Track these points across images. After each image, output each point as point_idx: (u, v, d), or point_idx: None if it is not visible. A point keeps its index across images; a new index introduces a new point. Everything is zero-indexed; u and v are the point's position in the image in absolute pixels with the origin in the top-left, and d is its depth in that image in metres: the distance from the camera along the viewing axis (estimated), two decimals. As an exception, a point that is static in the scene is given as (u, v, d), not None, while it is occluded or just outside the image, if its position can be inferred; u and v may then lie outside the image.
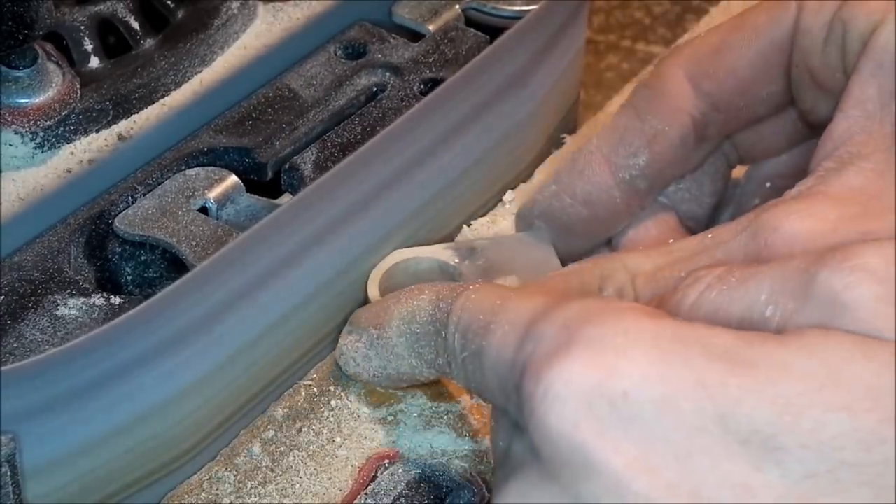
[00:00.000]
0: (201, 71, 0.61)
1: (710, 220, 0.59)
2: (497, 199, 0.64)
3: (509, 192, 0.64)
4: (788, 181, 0.51)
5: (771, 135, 0.57)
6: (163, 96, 0.60)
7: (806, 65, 0.52)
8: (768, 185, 0.58)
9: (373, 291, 0.57)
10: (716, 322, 0.44)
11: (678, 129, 0.55)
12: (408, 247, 0.58)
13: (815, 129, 0.54)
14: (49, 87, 0.57)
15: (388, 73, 0.61)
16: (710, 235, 0.49)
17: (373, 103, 0.60)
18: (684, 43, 0.56)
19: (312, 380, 0.56)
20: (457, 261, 0.58)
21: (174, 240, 0.54)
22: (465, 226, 0.62)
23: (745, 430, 0.40)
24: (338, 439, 0.54)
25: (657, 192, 0.57)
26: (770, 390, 0.40)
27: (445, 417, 0.54)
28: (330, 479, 0.52)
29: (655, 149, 0.55)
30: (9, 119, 0.56)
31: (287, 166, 0.57)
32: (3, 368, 0.46)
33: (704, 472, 0.40)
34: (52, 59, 0.57)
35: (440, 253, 0.58)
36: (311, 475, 0.52)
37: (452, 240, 0.61)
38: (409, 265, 0.58)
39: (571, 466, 0.41)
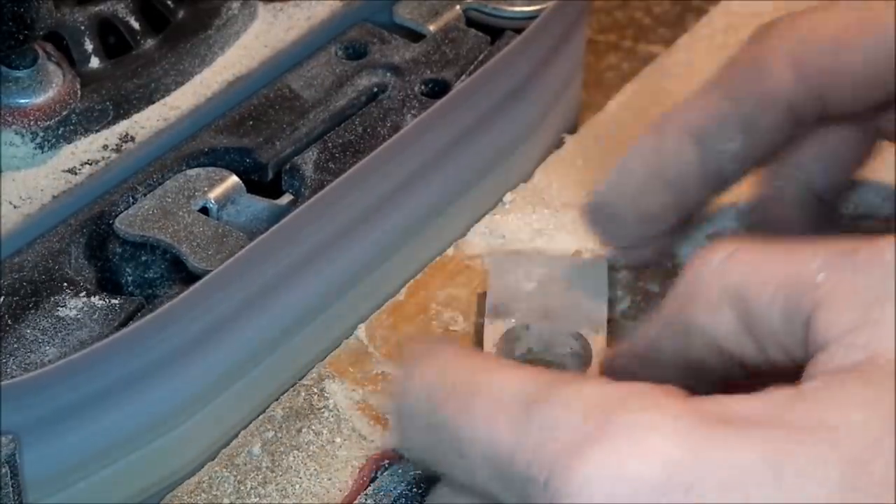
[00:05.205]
0: (202, 71, 0.61)
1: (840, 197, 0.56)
2: (498, 201, 0.64)
3: (509, 193, 0.64)
4: None
5: None
6: (163, 96, 0.60)
7: None
8: None
9: None
10: (747, 285, 0.42)
11: (775, 117, 0.51)
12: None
13: None
14: (49, 87, 0.57)
15: (388, 74, 0.61)
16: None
17: (373, 104, 0.60)
18: (786, 20, 0.51)
19: (312, 380, 0.56)
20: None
21: (175, 240, 0.54)
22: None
23: (821, 496, 0.37)
24: (338, 440, 0.54)
25: (746, 174, 0.53)
26: (835, 451, 0.37)
27: (446, 418, 0.54)
28: (330, 479, 0.52)
29: (751, 135, 0.51)
30: (9, 119, 0.56)
31: (288, 167, 0.57)
32: (5, 383, 0.46)
33: None
34: (53, 59, 0.57)
35: None
36: (311, 475, 0.53)
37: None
38: None
39: None
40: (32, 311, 0.51)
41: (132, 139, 0.58)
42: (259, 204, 0.56)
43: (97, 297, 0.52)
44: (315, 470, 0.53)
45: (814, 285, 0.40)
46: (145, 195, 0.56)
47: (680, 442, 0.38)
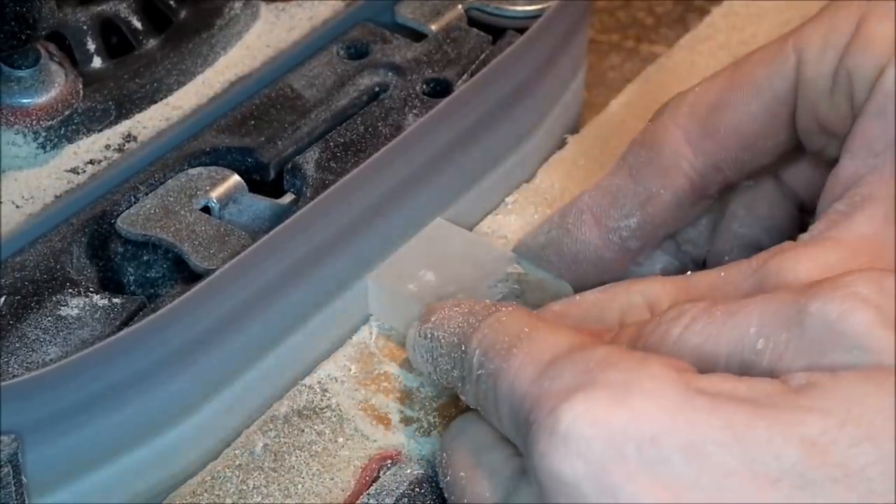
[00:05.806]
0: (204, 71, 0.61)
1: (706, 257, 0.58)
2: (501, 201, 0.64)
3: (511, 193, 0.64)
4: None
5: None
6: (165, 96, 0.60)
7: (813, 114, 0.51)
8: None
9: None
10: (703, 356, 0.44)
11: (674, 191, 0.54)
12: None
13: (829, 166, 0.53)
14: (52, 86, 0.57)
15: (390, 73, 0.61)
16: (722, 274, 0.49)
17: (375, 103, 0.60)
18: (678, 95, 0.54)
19: (315, 379, 0.56)
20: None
21: (177, 239, 0.54)
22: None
23: (775, 470, 0.40)
24: (340, 439, 0.54)
25: (650, 251, 0.56)
26: (796, 430, 0.40)
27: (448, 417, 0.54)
28: (332, 479, 0.52)
29: (649, 210, 0.54)
30: (11, 119, 0.56)
31: (289, 166, 0.57)
32: (6, 382, 0.46)
33: None
34: (55, 58, 0.57)
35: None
36: (313, 475, 0.52)
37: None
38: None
39: None
40: (34, 311, 0.51)
41: (134, 139, 0.58)
42: (261, 203, 0.57)
43: (99, 296, 0.52)
44: (317, 469, 0.53)
45: (757, 351, 0.43)
46: (147, 194, 0.56)
47: (655, 400, 0.42)
